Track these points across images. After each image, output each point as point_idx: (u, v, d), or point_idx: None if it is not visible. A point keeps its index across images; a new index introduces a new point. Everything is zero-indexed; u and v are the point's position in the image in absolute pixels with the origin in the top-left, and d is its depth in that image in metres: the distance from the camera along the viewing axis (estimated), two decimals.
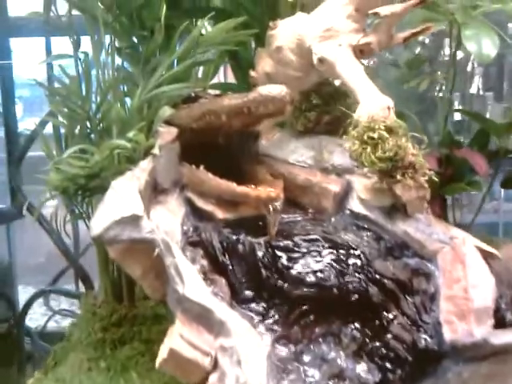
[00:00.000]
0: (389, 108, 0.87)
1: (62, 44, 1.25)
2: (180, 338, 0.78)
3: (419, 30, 0.93)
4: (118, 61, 1.12)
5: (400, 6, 0.90)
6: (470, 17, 1.07)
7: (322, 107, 1.09)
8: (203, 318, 0.81)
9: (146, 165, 0.96)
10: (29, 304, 1.61)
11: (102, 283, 1.11)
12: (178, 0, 1.09)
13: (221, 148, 1.15)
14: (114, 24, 1.07)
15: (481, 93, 1.97)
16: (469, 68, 1.68)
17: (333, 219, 1.01)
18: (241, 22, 1.17)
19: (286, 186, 1.03)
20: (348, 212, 1.00)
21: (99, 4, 1.02)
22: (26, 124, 2.11)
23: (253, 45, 1.23)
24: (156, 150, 0.95)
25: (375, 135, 0.86)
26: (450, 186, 1.23)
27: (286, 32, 1.05)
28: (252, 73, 1.13)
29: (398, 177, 0.87)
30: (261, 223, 0.99)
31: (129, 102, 1.11)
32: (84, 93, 1.05)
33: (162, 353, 0.78)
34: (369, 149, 0.87)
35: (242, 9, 1.16)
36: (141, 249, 0.87)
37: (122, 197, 0.88)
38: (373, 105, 0.88)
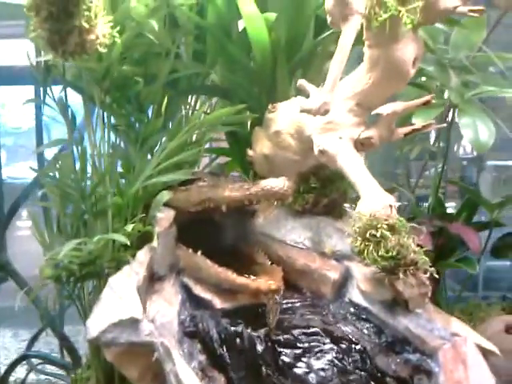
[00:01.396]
0: (391, 206, 0.87)
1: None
2: None
3: (420, 126, 0.94)
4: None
5: (402, 105, 0.91)
6: (465, 100, 1.09)
7: (320, 189, 1.09)
8: None
9: (143, 257, 0.93)
10: (11, 368, 1.54)
11: (93, 372, 1.07)
12: (175, 79, 1.08)
13: (217, 224, 1.14)
14: (111, 104, 1.05)
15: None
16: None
17: (331, 307, 1.00)
18: (238, 99, 1.18)
19: (285, 270, 1.02)
20: (347, 300, 1.00)
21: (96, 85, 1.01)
22: (8, 171, 2.06)
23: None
24: (155, 243, 0.93)
25: (378, 234, 0.86)
26: (443, 262, 1.24)
27: (285, 117, 1.05)
28: (250, 152, 1.13)
29: (401, 275, 0.87)
30: (260, 311, 0.97)
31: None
32: (79, 175, 1.02)
33: None
34: (371, 246, 0.87)
35: (239, 86, 1.16)
36: (139, 351, 0.84)
37: (120, 297, 0.85)
38: (375, 202, 0.88)
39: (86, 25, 0.66)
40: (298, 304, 1.03)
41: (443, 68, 1.13)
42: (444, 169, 1.35)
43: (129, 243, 0.88)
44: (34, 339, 1.67)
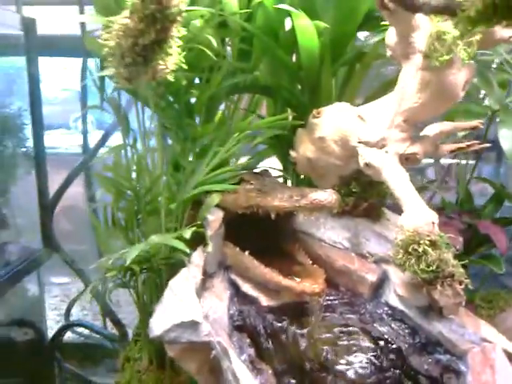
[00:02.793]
0: (433, 223, 0.93)
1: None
2: None
3: (465, 145, 0.97)
4: None
5: (449, 126, 0.94)
6: (506, 110, 1.11)
7: (360, 193, 1.13)
8: None
9: (198, 260, 1.01)
10: (58, 335, 1.68)
11: (145, 351, 1.18)
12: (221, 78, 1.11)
13: (259, 220, 1.20)
14: (164, 107, 1.09)
15: None
16: None
17: (368, 306, 1.08)
18: (281, 97, 1.21)
19: (324, 268, 1.09)
20: (383, 301, 1.07)
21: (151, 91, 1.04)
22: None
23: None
24: (209, 248, 0.99)
25: (420, 249, 0.92)
26: (470, 259, 1.30)
27: (330, 123, 1.08)
28: (293, 153, 1.17)
29: (438, 286, 0.94)
30: (303, 308, 1.06)
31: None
32: (135, 176, 1.08)
33: None
34: (413, 260, 0.93)
35: (282, 86, 1.18)
36: (197, 349, 0.93)
37: (181, 299, 0.93)
38: (418, 218, 0.93)
39: (160, 64, 0.69)
40: (336, 302, 1.11)
41: (487, 79, 1.14)
42: (477, 166, 1.39)
43: (188, 251, 0.94)
44: (70, 307, 1.79)
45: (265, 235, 1.20)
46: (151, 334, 0.93)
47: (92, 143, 1.81)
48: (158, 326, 0.92)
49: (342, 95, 1.22)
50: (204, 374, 0.95)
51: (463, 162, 1.43)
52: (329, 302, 1.10)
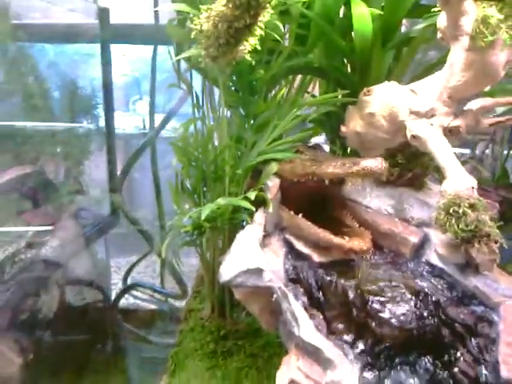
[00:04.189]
0: (472, 188, 1.04)
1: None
2: (298, 370, 1.00)
3: (505, 119, 1.07)
4: None
5: (491, 101, 1.05)
6: None
7: (405, 165, 1.25)
8: (314, 354, 1.03)
9: (260, 219, 1.15)
10: (120, 296, 1.87)
11: (208, 301, 1.34)
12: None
13: (311, 188, 1.34)
14: (230, 87, 1.23)
15: None
16: None
17: (410, 265, 1.21)
18: (333, 78, 1.33)
19: (370, 231, 1.22)
20: (424, 260, 1.19)
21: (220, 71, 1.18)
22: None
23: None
24: (270, 209, 1.14)
25: (460, 210, 1.03)
26: (505, 226, 1.40)
27: (380, 100, 1.20)
28: (343, 128, 1.29)
29: (475, 244, 1.05)
30: (350, 265, 1.19)
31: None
32: (203, 147, 1.23)
33: (282, 381, 1.01)
34: (453, 220, 1.05)
35: (335, 67, 1.31)
36: (261, 293, 1.08)
37: (247, 250, 1.08)
38: (459, 183, 1.04)
39: (244, 44, 0.83)
40: (381, 261, 1.23)
41: None
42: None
43: (254, 209, 1.09)
44: (130, 270, 1.98)
45: (316, 205, 1.34)
46: (221, 280, 1.08)
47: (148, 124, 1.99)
48: (227, 272, 1.08)
49: (389, 77, 1.32)
50: (265, 315, 1.11)
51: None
52: (374, 261, 1.23)
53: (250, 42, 0.88)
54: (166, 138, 2.01)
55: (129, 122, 2.27)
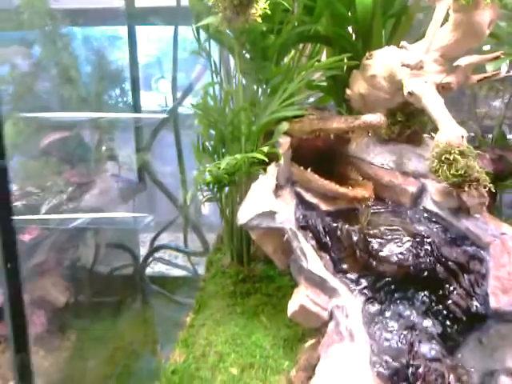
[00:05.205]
0: (462, 136, 1.16)
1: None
2: (306, 298, 1.14)
3: (490, 74, 1.19)
4: None
5: (477, 58, 1.16)
6: None
7: (404, 123, 1.37)
8: (320, 284, 1.17)
9: (273, 171, 1.29)
10: (148, 257, 2.04)
11: (227, 249, 1.49)
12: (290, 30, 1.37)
13: (319, 148, 1.47)
14: (244, 54, 1.36)
15: None
16: None
17: (409, 212, 1.33)
18: (339, 46, 1.46)
19: (373, 185, 1.35)
20: (421, 208, 1.32)
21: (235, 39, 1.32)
22: None
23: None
24: (281, 161, 1.27)
25: (451, 157, 1.15)
26: (501, 184, 1.51)
27: (380, 63, 1.32)
28: (348, 91, 1.42)
29: (466, 188, 1.17)
30: (354, 213, 1.32)
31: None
32: (221, 110, 1.37)
33: (293, 306, 1.15)
34: (445, 167, 1.17)
35: (340, 36, 1.43)
36: (273, 234, 1.22)
37: (261, 196, 1.22)
38: (450, 133, 1.16)
39: (254, 7, 0.96)
40: (382, 210, 1.36)
41: None
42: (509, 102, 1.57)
43: (267, 160, 1.23)
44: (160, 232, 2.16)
45: (323, 163, 1.47)
46: (239, 223, 1.22)
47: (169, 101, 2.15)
48: (243, 216, 1.22)
49: (389, 43, 1.44)
50: (278, 254, 1.25)
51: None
52: (376, 210, 1.36)
53: (260, 6, 1.01)
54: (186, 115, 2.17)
55: (152, 100, 2.43)
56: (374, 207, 1.37)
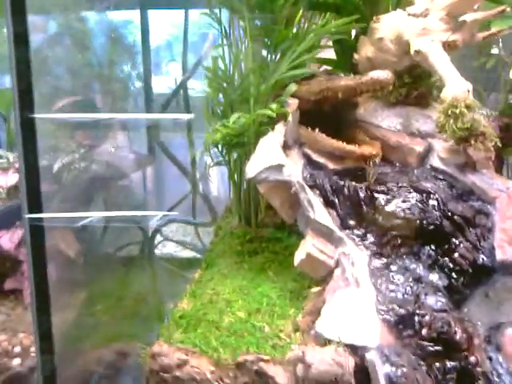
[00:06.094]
0: (468, 91, 1.17)
1: None
2: (313, 246, 1.16)
3: (496, 31, 1.21)
4: None
5: (481, 14, 1.18)
6: None
7: (412, 85, 1.39)
8: (327, 235, 1.18)
9: (281, 128, 1.32)
10: (156, 231, 2.08)
11: (236, 213, 1.51)
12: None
13: (327, 114, 1.49)
14: (253, 20, 1.40)
15: None
16: None
17: (416, 171, 1.34)
18: (347, 13, 1.48)
19: (380, 146, 1.37)
20: (428, 166, 1.33)
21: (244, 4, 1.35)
22: None
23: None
24: (290, 118, 1.30)
25: (457, 111, 1.17)
26: (508, 149, 1.52)
27: (387, 26, 1.35)
28: (356, 56, 1.45)
29: (472, 142, 1.19)
30: (361, 172, 1.34)
31: None
32: (231, 73, 1.40)
33: (300, 255, 1.17)
34: (451, 121, 1.18)
35: (349, 2, 1.46)
36: (281, 187, 1.24)
37: (269, 150, 1.25)
38: (456, 88, 1.18)
39: None
40: (389, 170, 1.38)
41: None
42: None
43: (275, 115, 1.25)
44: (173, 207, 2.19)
45: (331, 129, 1.49)
46: (247, 177, 1.25)
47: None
48: (251, 170, 1.24)
49: (396, 9, 1.47)
50: (285, 207, 1.27)
51: None
52: (383, 170, 1.38)
53: None
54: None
55: (163, 82, 2.47)
56: (382, 168, 1.39)
